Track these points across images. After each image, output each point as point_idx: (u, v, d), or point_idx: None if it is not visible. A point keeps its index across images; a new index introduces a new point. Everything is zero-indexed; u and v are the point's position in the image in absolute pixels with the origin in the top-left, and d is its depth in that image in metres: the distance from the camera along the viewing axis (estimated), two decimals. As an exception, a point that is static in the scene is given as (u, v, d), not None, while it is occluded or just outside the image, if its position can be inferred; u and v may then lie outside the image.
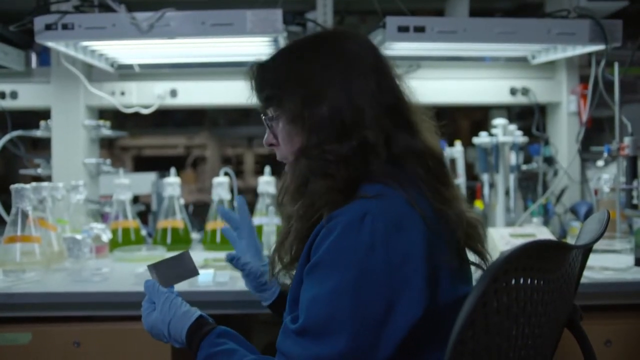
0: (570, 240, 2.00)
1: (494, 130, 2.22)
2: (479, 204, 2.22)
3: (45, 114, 2.29)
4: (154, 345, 1.33)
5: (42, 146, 2.62)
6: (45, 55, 2.27)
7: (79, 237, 1.79)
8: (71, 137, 2.26)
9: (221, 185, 2.15)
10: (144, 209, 2.33)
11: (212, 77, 2.31)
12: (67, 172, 2.22)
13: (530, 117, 2.37)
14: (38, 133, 2.25)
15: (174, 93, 2.31)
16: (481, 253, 1.07)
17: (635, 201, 1.76)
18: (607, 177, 1.91)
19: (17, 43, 2.19)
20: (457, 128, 3.38)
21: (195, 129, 4.01)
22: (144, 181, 2.30)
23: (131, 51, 2.10)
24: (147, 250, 1.97)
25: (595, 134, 2.34)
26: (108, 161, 2.32)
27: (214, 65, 2.27)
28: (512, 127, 2.21)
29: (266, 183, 2.15)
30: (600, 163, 2.05)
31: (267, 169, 2.18)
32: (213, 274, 1.58)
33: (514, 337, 0.86)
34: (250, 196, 2.61)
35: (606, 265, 1.64)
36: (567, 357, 1.29)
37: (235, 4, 1.78)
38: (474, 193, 2.26)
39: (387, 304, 0.90)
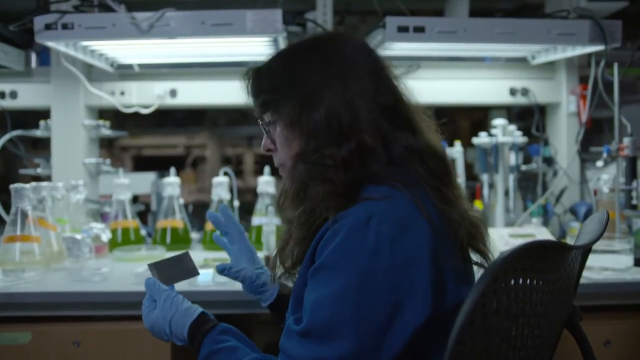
0: (570, 240, 2.00)
1: (493, 131, 2.22)
2: (478, 205, 2.21)
3: (45, 114, 2.29)
4: (154, 345, 1.33)
5: (42, 146, 2.62)
6: (45, 55, 2.27)
7: (78, 236, 1.79)
8: (71, 137, 2.26)
9: (221, 185, 2.15)
10: (144, 209, 2.33)
11: (212, 77, 2.31)
12: (67, 172, 2.21)
13: (530, 118, 2.37)
14: (38, 133, 2.25)
15: (173, 93, 2.31)
16: (483, 252, 1.07)
17: (634, 202, 1.77)
18: (606, 177, 1.91)
19: (17, 43, 2.19)
20: (456, 128, 3.38)
21: (195, 128, 4.01)
22: (144, 181, 2.30)
23: (131, 51, 2.10)
24: (147, 250, 1.97)
25: (594, 135, 2.34)
26: (108, 161, 2.32)
27: (213, 65, 2.27)
28: (512, 127, 2.21)
29: (266, 183, 2.15)
30: (599, 163, 2.05)
31: (267, 169, 2.18)
32: (213, 273, 1.57)
33: (513, 338, 0.86)
34: (250, 196, 2.61)
35: (605, 265, 1.64)
36: (567, 358, 1.29)
37: (235, 4, 1.78)
38: (473, 193, 2.26)
39: (391, 307, 0.90)
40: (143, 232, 2.16)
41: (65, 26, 1.76)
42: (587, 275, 1.58)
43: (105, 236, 1.96)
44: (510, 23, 1.87)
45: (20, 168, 2.29)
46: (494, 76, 2.36)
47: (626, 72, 1.93)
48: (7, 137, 2.13)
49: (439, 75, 2.33)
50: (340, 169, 0.99)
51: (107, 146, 3.73)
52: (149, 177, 2.30)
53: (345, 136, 0.99)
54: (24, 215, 1.67)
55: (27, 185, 1.70)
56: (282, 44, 1.89)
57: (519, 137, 2.19)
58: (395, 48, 1.96)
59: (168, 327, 1.09)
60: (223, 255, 1.88)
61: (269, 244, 1.90)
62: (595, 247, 1.08)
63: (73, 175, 2.16)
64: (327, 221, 0.98)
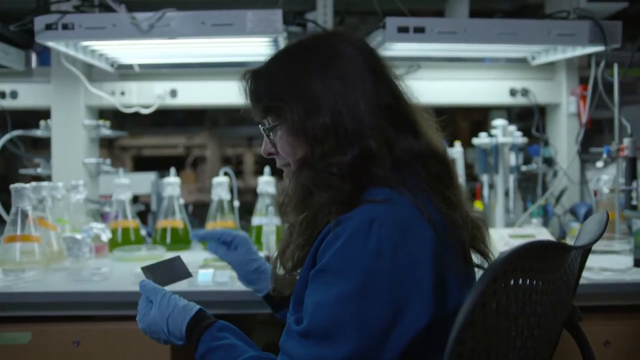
0: (570, 241, 2.00)
1: (493, 131, 2.22)
2: (478, 205, 2.22)
3: (45, 114, 2.29)
4: (154, 345, 1.32)
5: (42, 146, 2.62)
6: (45, 55, 2.27)
7: (78, 236, 1.79)
8: (71, 137, 2.26)
9: (221, 185, 2.15)
10: (144, 209, 2.33)
11: (212, 77, 2.31)
12: (67, 172, 2.22)
13: (530, 118, 2.37)
14: (38, 133, 2.25)
15: (173, 93, 2.31)
16: (484, 253, 1.06)
17: (634, 202, 1.77)
18: (606, 178, 1.91)
19: (17, 43, 2.19)
20: (456, 129, 3.38)
21: (195, 129, 4.02)
22: (144, 181, 2.30)
23: (131, 51, 2.10)
24: (147, 250, 1.97)
25: (594, 135, 2.34)
26: (108, 161, 2.32)
27: (214, 66, 2.27)
28: (512, 128, 2.21)
29: (266, 183, 2.15)
30: (599, 164, 2.05)
31: (267, 169, 2.18)
32: (213, 273, 1.58)
33: (513, 338, 0.86)
34: (250, 196, 2.61)
35: (605, 266, 1.64)
36: (566, 358, 1.29)
37: (235, 4, 1.78)
38: (473, 194, 2.26)
39: (393, 311, 0.90)
40: (143, 232, 2.16)
41: (65, 26, 1.76)
42: (587, 276, 1.58)
43: (105, 236, 1.96)
44: (510, 24, 1.87)
45: (20, 168, 2.29)
46: (494, 77, 2.36)
47: (626, 73, 1.92)
48: (7, 137, 2.13)
49: (439, 75, 2.33)
50: (345, 177, 0.98)
51: (107, 146, 3.73)
52: (149, 177, 2.30)
53: (350, 142, 0.98)
54: (24, 215, 1.67)
55: (27, 185, 1.70)
56: (283, 45, 1.89)
57: (519, 138, 2.19)
58: (395, 48, 1.96)
59: (166, 326, 1.08)
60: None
61: (269, 244, 1.90)
62: (595, 247, 1.08)
63: (73, 175, 2.16)
64: (328, 223, 0.97)
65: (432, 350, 0.94)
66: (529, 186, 2.31)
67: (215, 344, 1.04)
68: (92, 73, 2.29)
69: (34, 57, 2.29)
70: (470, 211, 1.05)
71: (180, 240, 2.11)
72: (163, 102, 2.30)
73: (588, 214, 2.11)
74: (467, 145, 2.34)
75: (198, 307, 1.10)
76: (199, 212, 2.44)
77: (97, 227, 1.94)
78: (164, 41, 1.86)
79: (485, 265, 1.07)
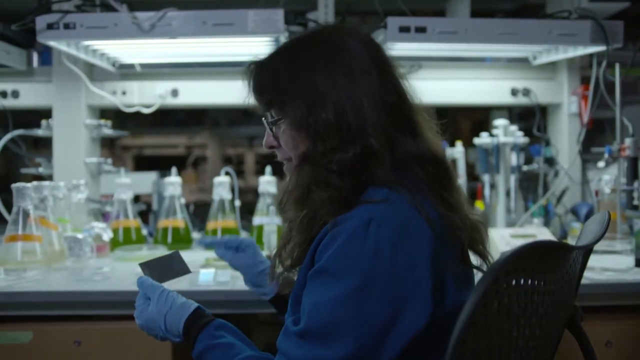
0: (571, 241, 2.00)
1: (494, 131, 2.22)
2: (479, 205, 2.22)
3: (46, 113, 2.29)
4: (155, 344, 1.32)
5: (44, 145, 2.62)
6: (46, 55, 2.28)
7: (80, 236, 1.79)
8: (72, 137, 2.26)
9: (222, 185, 2.15)
10: (145, 209, 2.33)
11: (213, 76, 2.31)
12: (68, 171, 2.22)
13: (531, 118, 2.37)
14: (39, 132, 2.25)
15: (175, 93, 2.31)
16: (483, 255, 1.06)
17: (635, 202, 1.77)
18: (607, 178, 1.91)
19: (19, 42, 2.20)
20: (458, 128, 3.38)
21: (196, 128, 4.01)
22: (145, 180, 2.31)
23: (133, 51, 2.10)
24: (148, 250, 1.97)
25: (596, 135, 2.34)
26: (109, 160, 2.33)
27: (215, 65, 2.27)
28: (513, 127, 2.21)
29: (267, 183, 2.15)
30: (601, 164, 2.05)
31: (268, 168, 2.18)
32: (214, 273, 1.58)
33: (514, 338, 0.85)
34: (251, 196, 2.61)
35: (607, 266, 1.64)
36: (568, 358, 1.29)
37: (237, 4, 1.78)
38: (474, 194, 2.26)
39: (391, 312, 0.90)
40: (144, 231, 2.17)
41: (67, 26, 1.76)
42: (589, 276, 1.58)
43: (107, 236, 1.96)
44: (511, 23, 1.87)
45: (21, 167, 2.29)
46: (496, 76, 2.36)
47: (627, 73, 1.92)
48: (8, 136, 2.13)
49: (440, 75, 2.33)
50: (345, 175, 0.97)
51: (108, 146, 3.73)
52: (150, 176, 2.31)
53: (352, 139, 0.98)
54: (26, 214, 1.67)
55: (29, 185, 1.71)
56: (283, 44, 1.89)
57: (520, 138, 2.19)
58: (396, 48, 1.96)
59: (163, 323, 1.07)
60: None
61: (270, 244, 1.90)
62: (596, 247, 1.08)
63: (74, 175, 2.17)
64: (326, 224, 0.97)
65: (430, 350, 0.93)
66: (530, 186, 2.31)
67: (213, 343, 1.03)
68: (94, 72, 2.30)
69: (35, 57, 2.29)
70: (469, 213, 1.04)
71: (181, 239, 2.11)
72: (164, 102, 2.30)
73: (589, 214, 2.11)
74: (468, 145, 2.34)
75: (196, 304, 1.09)
76: (200, 211, 2.44)
77: (99, 226, 1.94)
78: (165, 41, 1.86)
79: (484, 267, 1.06)
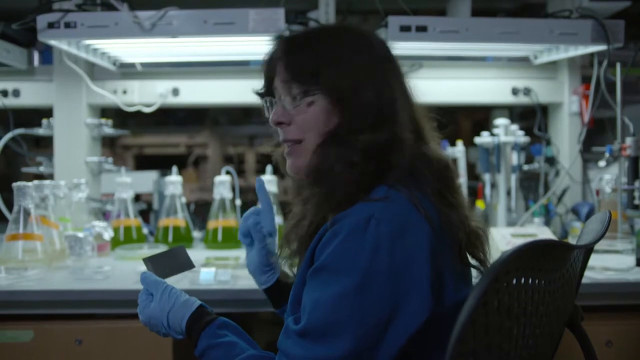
0: (572, 240, 2.00)
1: (495, 130, 2.22)
2: (480, 204, 2.22)
3: (47, 112, 2.29)
4: (156, 343, 1.33)
5: (44, 144, 2.63)
6: (47, 54, 2.28)
7: (80, 235, 1.79)
8: (73, 136, 2.26)
9: (223, 184, 2.15)
10: (146, 208, 2.34)
11: (214, 76, 2.31)
12: (69, 170, 2.22)
13: (532, 117, 2.37)
14: (40, 131, 2.25)
15: (176, 92, 2.31)
16: (483, 262, 1.05)
17: (636, 202, 1.76)
18: (608, 177, 1.91)
19: (19, 41, 2.20)
20: (458, 128, 3.38)
21: (196, 127, 4.02)
22: (146, 180, 2.31)
23: (133, 50, 2.10)
24: (149, 249, 1.97)
25: (597, 135, 2.34)
26: (110, 159, 2.33)
27: (216, 64, 2.27)
28: (514, 127, 2.21)
29: (268, 182, 2.15)
30: (602, 163, 2.04)
31: (269, 167, 2.18)
32: (215, 272, 1.58)
33: (514, 337, 0.85)
34: (252, 195, 2.61)
35: (607, 265, 1.64)
36: (568, 358, 1.29)
37: (238, 3, 1.78)
38: (475, 193, 2.26)
39: (390, 309, 0.90)
40: (145, 230, 2.17)
41: (67, 25, 1.76)
42: (589, 275, 1.58)
43: (108, 235, 1.96)
44: (512, 23, 1.87)
45: (22, 166, 2.29)
46: (496, 76, 2.36)
47: (629, 72, 1.92)
48: (9, 135, 2.14)
49: (441, 74, 2.33)
50: (369, 157, 0.98)
51: (109, 145, 3.74)
52: (151, 175, 2.31)
53: (382, 124, 0.99)
54: (27, 213, 1.68)
55: (30, 184, 1.71)
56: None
57: (521, 137, 2.19)
58: (397, 47, 1.92)
59: (166, 320, 1.08)
60: (225, 254, 1.89)
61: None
62: (597, 247, 1.08)
63: (75, 174, 2.17)
64: (341, 203, 0.97)
65: (429, 349, 0.94)
66: (531, 185, 2.31)
67: (216, 342, 1.03)
68: (94, 71, 2.30)
69: (36, 56, 2.29)
70: (471, 219, 1.03)
71: (182, 238, 2.11)
72: (165, 101, 2.30)
73: (590, 213, 2.11)
74: (469, 144, 2.34)
75: (199, 302, 1.09)
76: (200, 210, 2.44)
77: (99, 225, 1.95)
78: (166, 40, 1.86)
79: (482, 269, 1.06)
